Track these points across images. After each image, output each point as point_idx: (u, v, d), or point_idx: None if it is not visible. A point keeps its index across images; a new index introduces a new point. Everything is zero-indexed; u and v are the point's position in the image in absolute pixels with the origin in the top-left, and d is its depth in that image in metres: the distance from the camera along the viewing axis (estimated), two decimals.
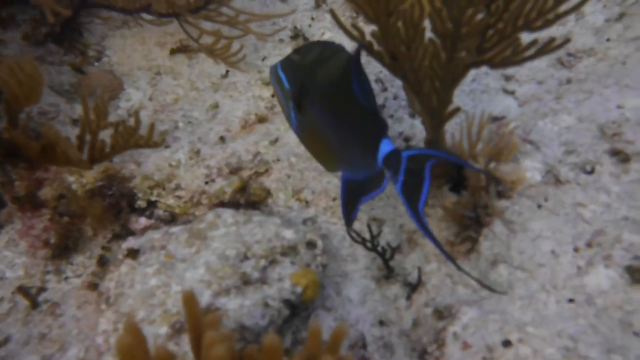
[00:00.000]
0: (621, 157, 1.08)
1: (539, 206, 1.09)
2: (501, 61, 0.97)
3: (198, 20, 1.76)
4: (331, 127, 1.24)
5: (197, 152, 1.58)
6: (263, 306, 1.12)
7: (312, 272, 1.20)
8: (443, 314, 1.06)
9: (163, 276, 1.19)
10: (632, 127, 1.08)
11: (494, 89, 1.49)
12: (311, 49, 1.31)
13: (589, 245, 0.98)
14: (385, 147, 1.18)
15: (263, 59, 1.90)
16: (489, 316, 0.96)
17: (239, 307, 1.11)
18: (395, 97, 1.63)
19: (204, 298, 1.13)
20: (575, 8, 0.87)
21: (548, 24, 0.90)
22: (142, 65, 1.90)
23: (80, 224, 1.50)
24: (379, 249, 1.24)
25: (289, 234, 1.27)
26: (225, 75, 1.86)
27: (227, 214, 1.34)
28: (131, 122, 1.45)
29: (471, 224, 1.13)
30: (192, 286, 1.15)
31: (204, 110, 1.74)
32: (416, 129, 1.52)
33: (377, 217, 1.40)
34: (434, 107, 1.12)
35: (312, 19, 2.07)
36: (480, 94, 1.51)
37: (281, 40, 1.98)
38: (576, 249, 0.99)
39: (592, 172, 1.10)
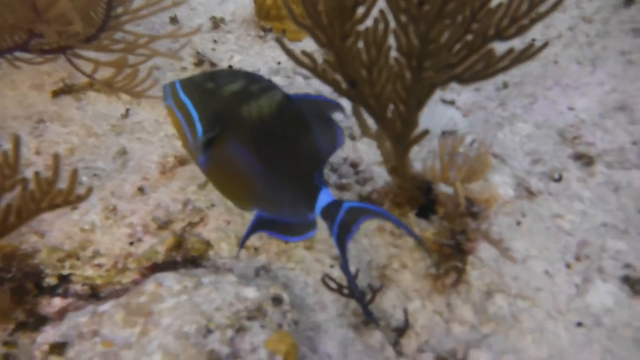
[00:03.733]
0: (585, 160, 1.12)
1: (518, 223, 1.10)
2: (472, 76, 0.96)
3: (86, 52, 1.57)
4: (257, 169, 1.20)
5: (113, 209, 1.39)
6: None
7: (287, 335, 1.09)
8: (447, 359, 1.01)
9: None
10: (589, 129, 1.13)
11: (431, 100, 1.50)
12: (230, 79, 1.22)
13: (577, 259, 1.00)
14: (324, 199, 1.19)
15: None
16: (504, 358, 0.93)
17: None
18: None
19: None
20: (552, 9, 0.87)
21: (522, 30, 0.90)
22: (17, 114, 1.64)
23: None
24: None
25: (250, 293, 1.15)
26: (126, 114, 1.67)
27: (170, 280, 1.18)
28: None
29: (452, 253, 1.10)
30: None
31: (110, 159, 1.54)
32: (361, 153, 1.48)
33: (337, 256, 1.32)
34: (399, 132, 1.08)
35: (215, 41, 1.95)
36: None
37: (184, 69, 1.84)
38: (568, 265, 1.00)
39: (560, 179, 1.13)
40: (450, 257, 1.11)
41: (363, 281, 1.25)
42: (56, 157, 1.08)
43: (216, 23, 2.00)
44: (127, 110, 1.67)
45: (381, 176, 1.39)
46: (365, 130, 1.25)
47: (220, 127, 1.19)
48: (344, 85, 1.04)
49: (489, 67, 0.94)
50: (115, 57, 1.56)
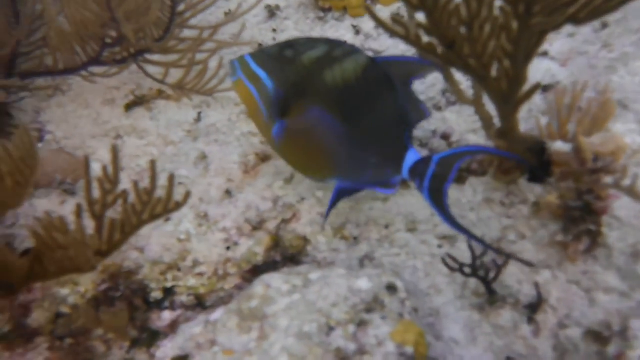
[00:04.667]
0: None
1: None
2: (590, 13, 0.85)
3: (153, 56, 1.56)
4: (341, 134, 1.18)
5: (205, 215, 1.38)
6: None
7: (411, 324, 1.03)
8: (602, 334, 0.92)
9: None
10: None
11: None
12: (310, 46, 1.20)
13: None
14: (411, 158, 1.17)
15: None
16: None
17: None
18: None
19: None
20: None
21: None
22: (95, 133, 1.65)
23: (86, 342, 1.24)
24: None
25: (363, 284, 1.10)
26: (198, 118, 1.65)
27: (277, 280, 1.14)
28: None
29: (582, 216, 1.01)
30: None
31: (192, 165, 1.52)
32: (450, 123, 1.39)
33: (445, 234, 1.25)
34: (505, 91, 0.99)
35: (274, 30, 1.91)
36: None
37: None
38: None
39: None
40: (580, 221, 1.02)
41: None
42: (152, 163, 1.06)
43: (272, 11, 1.95)
44: (199, 114, 1.65)
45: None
46: (460, 96, 1.17)
47: (300, 95, 1.17)
48: (440, 49, 0.96)
49: (610, 1, 0.83)
50: (180, 57, 1.54)
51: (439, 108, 1.43)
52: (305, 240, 1.33)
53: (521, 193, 1.17)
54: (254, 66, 1.22)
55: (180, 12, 1.37)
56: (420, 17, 0.95)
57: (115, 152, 1.05)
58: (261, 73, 1.21)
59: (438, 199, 1.12)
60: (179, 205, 1.11)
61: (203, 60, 1.56)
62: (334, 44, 1.20)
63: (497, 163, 1.20)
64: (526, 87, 0.99)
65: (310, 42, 1.21)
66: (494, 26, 0.90)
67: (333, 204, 1.23)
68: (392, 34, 0.95)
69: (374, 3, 1.79)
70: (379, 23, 0.93)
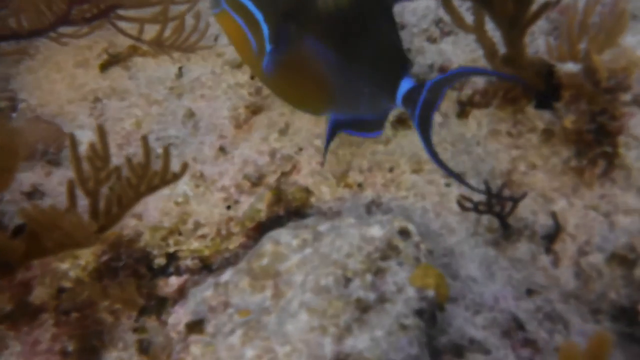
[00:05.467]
0: None
1: None
2: None
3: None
4: (335, 64, 1.15)
5: (201, 176, 1.33)
6: (401, 330, 0.93)
7: (429, 267, 1.02)
8: (627, 257, 0.92)
9: (258, 341, 0.96)
10: None
11: None
12: None
13: None
14: (405, 86, 1.14)
15: (215, 39, 1.62)
16: None
17: (373, 344, 0.92)
18: (403, 27, 1.43)
19: (327, 349, 0.92)
20: None
21: None
22: (72, 98, 1.57)
23: (93, 314, 1.22)
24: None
25: (376, 232, 1.08)
26: (180, 74, 1.58)
27: (286, 236, 1.12)
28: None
29: (597, 138, 0.98)
30: (303, 339, 0.93)
31: (180, 124, 1.46)
32: (447, 54, 1.34)
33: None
34: (512, 13, 0.94)
35: None
36: None
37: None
38: None
39: None
40: (595, 143, 0.99)
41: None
42: (144, 139, 1.01)
43: None
44: (180, 69, 1.57)
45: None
46: (460, 23, 1.11)
47: (292, 24, 1.14)
48: None
49: None
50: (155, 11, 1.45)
51: (433, 40, 1.38)
52: (308, 191, 1.30)
53: (529, 121, 1.14)
54: None
55: None
56: None
57: (102, 132, 0.99)
58: (248, 2, 1.16)
59: (425, 129, 1.10)
60: (177, 177, 1.06)
61: (180, 14, 1.47)
62: None
63: (501, 92, 1.16)
64: (535, 5, 0.93)
65: None
66: None
67: (330, 137, 1.20)
68: None
69: None
70: None
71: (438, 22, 1.38)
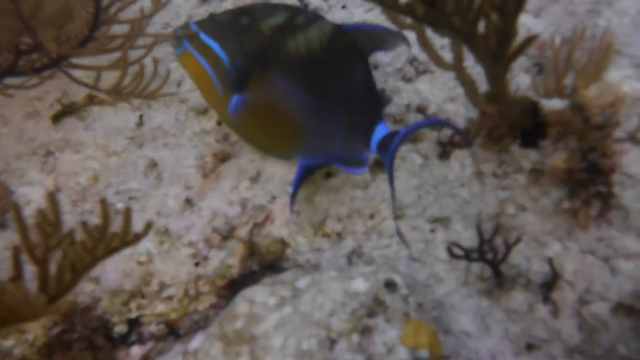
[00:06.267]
0: None
1: None
2: None
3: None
4: (307, 106, 1.14)
5: (166, 231, 1.24)
6: None
7: (421, 323, 0.94)
8: (635, 307, 0.86)
9: None
10: None
11: None
12: (269, 12, 1.13)
13: None
14: (380, 132, 1.14)
15: (178, 85, 1.55)
16: None
17: None
18: (376, 67, 1.39)
19: None
20: None
21: None
22: (20, 152, 1.47)
23: None
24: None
25: (360, 286, 1.00)
26: (141, 122, 1.49)
27: (261, 294, 1.03)
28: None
29: (589, 177, 0.94)
30: None
31: (142, 176, 1.37)
32: (424, 94, 1.31)
33: (437, 217, 1.16)
34: (495, 49, 0.90)
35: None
36: None
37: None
38: None
39: None
40: (588, 183, 0.95)
41: (474, 240, 1.09)
42: (103, 202, 0.92)
43: None
44: (141, 117, 1.49)
45: (459, 114, 1.22)
46: (438, 61, 1.08)
47: (261, 66, 1.12)
48: (420, 9, 0.86)
49: None
50: (113, 58, 1.37)
51: (409, 79, 1.34)
52: (284, 243, 1.22)
53: (515, 161, 1.10)
54: (203, 36, 1.14)
55: (107, 6, 1.20)
56: None
57: (52, 198, 0.90)
58: (213, 44, 1.13)
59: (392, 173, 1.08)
60: (139, 237, 0.97)
61: (139, 58, 1.39)
62: (295, 11, 1.13)
63: (485, 131, 1.12)
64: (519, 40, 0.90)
65: (268, 9, 1.13)
66: None
67: (299, 182, 1.16)
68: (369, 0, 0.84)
69: None
70: None
71: (412, 61, 1.35)
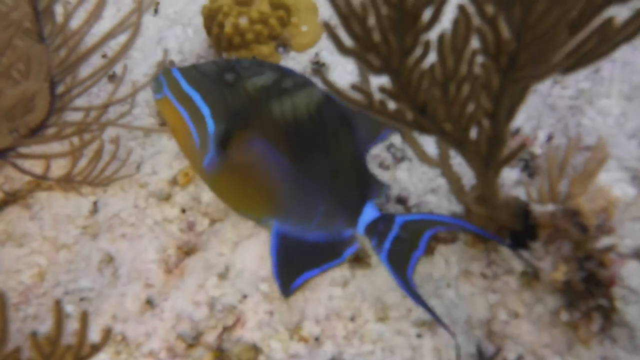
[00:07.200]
0: None
1: None
2: (581, 60, 0.76)
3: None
4: (287, 172, 1.12)
5: (122, 339, 1.13)
6: None
7: None
8: None
9: None
10: None
11: None
12: (255, 71, 1.12)
13: None
14: (369, 213, 1.13)
15: (138, 166, 1.46)
16: None
17: None
18: None
19: None
20: None
21: None
22: None
23: None
24: None
25: None
26: (94, 209, 1.39)
27: None
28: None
29: (587, 288, 0.91)
30: None
31: (95, 272, 1.26)
32: (404, 183, 1.27)
33: (423, 319, 1.10)
34: (486, 154, 0.87)
35: None
36: None
37: (147, 134, 1.56)
38: None
39: None
40: (587, 295, 0.91)
41: (468, 346, 1.04)
42: (57, 305, 0.82)
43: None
44: (95, 203, 1.39)
45: (441, 206, 1.19)
46: (423, 157, 1.05)
47: (243, 125, 1.10)
48: (409, 115, 0.82)
49: (605, 43, 0.74)
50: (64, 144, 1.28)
51: (386, 167, 1.30)
52: (256, 349, 1.13)
53: (504, 262, 1.06)
54: (184, 85, 1.11)
55: (61, 93, 1.12)
56: (383, 80, 0.81)
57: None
58: (194, 95, 1.11)
59: (398, 265, 1.07)
60: (96, 349, 0.86)
61: (92, 140, 1.30)
62: (284, 72, 1.12)
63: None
64: (509, 146, 0.88)
65: (255, 67, 1.12)
66: (475, 85, 0.78)
67: (277, 254, 1.14)
68: (352, 104, 0.80)
69: (287, 50, 1.64)
70: (335, 92, 0.78)
71: (389, 147, 1.32)
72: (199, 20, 1.72)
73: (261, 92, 1.10)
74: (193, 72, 1.13)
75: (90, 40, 1.25)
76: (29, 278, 1.25)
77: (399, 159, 1.30)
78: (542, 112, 1.14)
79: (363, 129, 1.14)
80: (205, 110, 1.11)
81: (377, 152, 1.33)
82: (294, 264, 1.15)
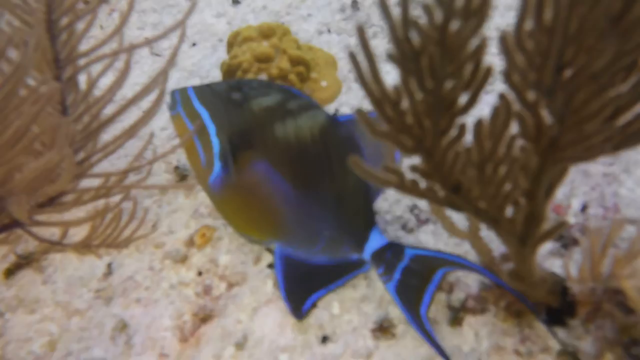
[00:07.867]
0: None
1: None
2: (626, 139, 0.73)
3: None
4: (287, 194, 1.11)
5: None
6: None
7: None
8: None
9: None
10: None
11: None
12: (262, 91, 1.13)
13: None
14: (376, 240, 1.11)
15: (153, 225, 1.44)
16: None
17: None
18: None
19: None
20: None
21: None
22: None
23: None
24: None
25: None
26: (109, 271, 1.36)
27: None
28: None
29: None
30: None
31: (108, 340, 1.22)
32: (428, 246, 1.23)
33: None
34: (522, 232, 0.84)
35: None
36: None
37: (164, 192, 1.53)
38: None
39: None
40: None
41: None
42: None
43: None
44: (109, 265, 1.36)
45: (470, 276, 1.14)
46: (452, 230, 1.01)
47: (245, 145, 1.11)
48: (441, 193, 0.79)
49: None
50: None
51: (410, 230, 1.27)
52: None
53: (539, 339, 1.01)
54: (196, 103, 1.15)
55: (81, 160, 1.11)
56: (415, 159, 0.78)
57: None
58: (203, 112, 1.14)
59: (408, 299, 1.04)
60: None
61: (109, 206, 1.28)
62: (289, 94, 1.12)
63: (503, 303, 1.04)
64: (548, 224, 0.84)
65: (262, 87, 1.13)
66: (513, 166, 0.75)
67: (284, 277, 1.12)
68: (383, 184, 0.77)
69: None
70: (362, 172, 0.75)
71: (413, 208, 1.29)
72: (216, 73, 1.72)
73: (266, 112, 1.11)
74: (205, 91, 1.16)
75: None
76: (40, 347, 1.21)
77: (423, 221, 1.27)
78: (575, 178, 1.11)
79: (370, 153, 1.13)
80: (211, 128, 1.13)
81: (399, 214, 1.30)
82: (302, 285, 1.13)
